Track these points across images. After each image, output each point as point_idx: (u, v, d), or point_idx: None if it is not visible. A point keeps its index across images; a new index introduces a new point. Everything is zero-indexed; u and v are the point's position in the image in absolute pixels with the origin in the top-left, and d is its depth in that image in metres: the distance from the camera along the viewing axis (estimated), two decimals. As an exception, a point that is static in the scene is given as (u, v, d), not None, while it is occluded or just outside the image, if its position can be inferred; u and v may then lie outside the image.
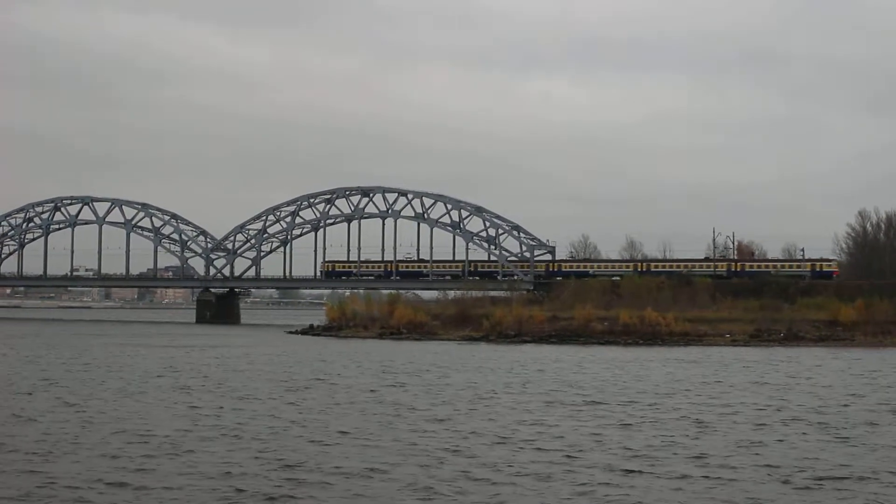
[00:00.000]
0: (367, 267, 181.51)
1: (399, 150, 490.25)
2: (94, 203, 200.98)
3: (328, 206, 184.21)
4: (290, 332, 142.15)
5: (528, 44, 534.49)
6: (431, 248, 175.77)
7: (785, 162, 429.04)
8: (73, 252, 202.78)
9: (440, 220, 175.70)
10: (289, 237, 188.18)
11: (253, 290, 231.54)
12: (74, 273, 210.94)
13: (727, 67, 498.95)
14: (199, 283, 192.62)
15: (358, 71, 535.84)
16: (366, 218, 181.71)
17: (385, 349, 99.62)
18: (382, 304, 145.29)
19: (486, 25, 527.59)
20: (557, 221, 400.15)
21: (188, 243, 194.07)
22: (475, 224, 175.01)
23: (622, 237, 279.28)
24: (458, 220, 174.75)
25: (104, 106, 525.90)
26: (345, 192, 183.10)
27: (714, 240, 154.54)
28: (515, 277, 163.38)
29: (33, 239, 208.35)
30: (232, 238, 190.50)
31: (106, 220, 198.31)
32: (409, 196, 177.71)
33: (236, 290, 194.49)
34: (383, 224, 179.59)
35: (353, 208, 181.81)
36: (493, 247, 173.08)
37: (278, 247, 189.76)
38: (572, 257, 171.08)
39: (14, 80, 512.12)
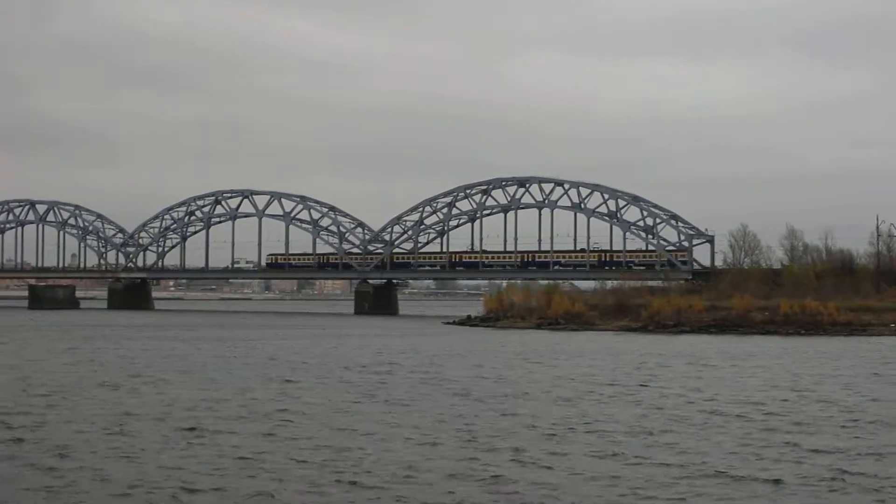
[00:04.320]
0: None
1: (530, 139, 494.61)
2: (254, 196, 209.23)
3: (484, 196, 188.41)
4: (448, 323, 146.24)
5: (633, 26, 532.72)
6: (588, 238, 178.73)
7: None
8: (233, 244, 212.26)
9: (597, 210, 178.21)
10: (445, 228, 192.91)
11: (410, 280, 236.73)
12: (235, 265, 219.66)
13: (839, 44, 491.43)
14: (357, 275, 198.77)
15: (467, 59, 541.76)
16: (522, 208, 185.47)
17: (572, 340, 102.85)
18: (540, 294, 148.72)
19: (588, 8, 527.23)
20: (710, 209, 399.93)
21: (346, 235, 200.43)
22: (632, 213, 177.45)
23: (782, 225, 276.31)
24: (614, 209, 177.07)
25: (230, 100, 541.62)
26: (501, 183, 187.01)
27: (878, 227, 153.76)
28: (674, 267, 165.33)
29: (195, 232, 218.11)
30: (389, 229, 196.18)
31: (265, 212, 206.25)
32: (566, 186, 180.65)
33: (394, 280, 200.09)
34: (539, 214, 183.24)
35: (509, 199, 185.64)
36: (650, 236, 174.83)
37: (435, 238, 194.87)
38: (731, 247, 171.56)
39: (142, 77, 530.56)
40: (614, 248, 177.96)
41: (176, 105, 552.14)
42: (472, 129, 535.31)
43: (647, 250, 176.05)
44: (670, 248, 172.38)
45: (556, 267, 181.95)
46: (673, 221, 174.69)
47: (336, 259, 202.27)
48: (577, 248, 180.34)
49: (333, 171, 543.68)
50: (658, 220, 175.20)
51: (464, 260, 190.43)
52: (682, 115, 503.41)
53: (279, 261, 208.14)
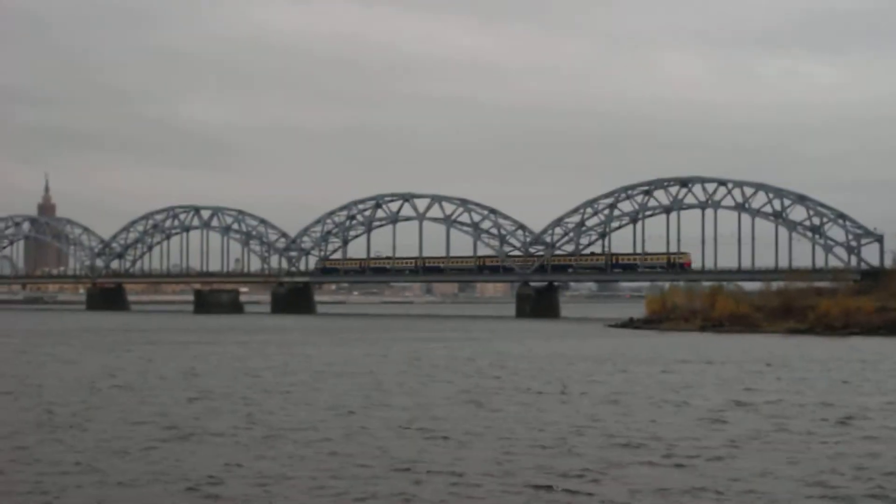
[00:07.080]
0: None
1: (687, 138, 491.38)
2: (415, 199, 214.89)
3: (646, 197, 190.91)
4: (610, 326, 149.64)
5: (774, 22, 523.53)
6: (753, 238, 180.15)
7: None
8: (394, 248, 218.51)
9: (761, 210, 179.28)
10: (607, 229, 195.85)
11: (572, 283, 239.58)
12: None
13: None
14: (518, 277, 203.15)
15: (608, 58, 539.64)
16: (685, 209, 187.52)
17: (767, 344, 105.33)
18: (704, 296, 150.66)
19: (727, 4, 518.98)
20: (880, 208, 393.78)
21: (507, 237, 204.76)
22: (798, 213, 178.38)
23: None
24: (779, 209, 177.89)
25: (373, 106, 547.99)
26: (663, 183, 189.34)
27: None
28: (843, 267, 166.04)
29: (356, 236, 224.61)
30: (550, 231, 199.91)
31: (426, 216, 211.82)
32: (729, 185, 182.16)
33: (555, 283, 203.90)
34: (703, 214, 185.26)
35: (671, 199, 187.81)
36: (817, 236, 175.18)
37: (596, 240, 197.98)
38: None
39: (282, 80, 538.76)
40: (620, 252, 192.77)
41: (320, 112, 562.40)
42: (626, 127, 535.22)
43: (649, 253, 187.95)
44: (837, 247, 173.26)
45: (571, 270, 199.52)
46: (840, 221, 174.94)
47: (385, 263, 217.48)
48: (589, 252, 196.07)
49: (494, 174, 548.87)
50: (825, 220, 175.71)
51: (622, 262, 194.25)
52: (839, 113, 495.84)
53: (329, 266, 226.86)
